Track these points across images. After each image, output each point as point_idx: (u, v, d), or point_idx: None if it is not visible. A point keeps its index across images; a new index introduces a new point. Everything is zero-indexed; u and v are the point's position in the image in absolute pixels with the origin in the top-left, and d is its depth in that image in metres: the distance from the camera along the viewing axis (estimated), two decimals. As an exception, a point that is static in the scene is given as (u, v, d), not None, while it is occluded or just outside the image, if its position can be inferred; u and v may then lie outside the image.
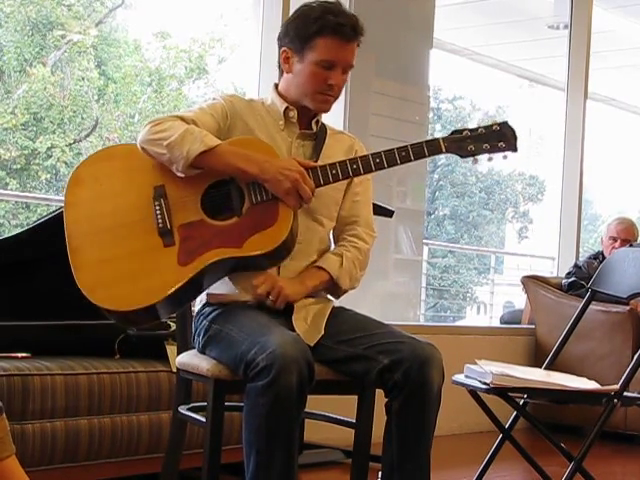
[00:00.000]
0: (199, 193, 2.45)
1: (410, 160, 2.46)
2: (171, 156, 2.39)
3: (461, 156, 2.49)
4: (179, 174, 2.42)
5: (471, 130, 2.49)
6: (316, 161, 2.55)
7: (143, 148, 2.45)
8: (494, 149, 2.48)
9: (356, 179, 2.62)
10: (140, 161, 2.48)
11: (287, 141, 2.57)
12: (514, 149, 2.49)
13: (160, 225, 2.43)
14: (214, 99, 2.58)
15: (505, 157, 2.51)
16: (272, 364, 2.18)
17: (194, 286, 2.43)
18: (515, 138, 2.49)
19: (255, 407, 2.21)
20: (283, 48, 2.55)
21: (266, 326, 2.33)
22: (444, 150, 2.47)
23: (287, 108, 2.56)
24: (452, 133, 2.50)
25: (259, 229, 2.41)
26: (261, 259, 2.42)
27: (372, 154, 2.47)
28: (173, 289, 2.39)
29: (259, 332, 2.28)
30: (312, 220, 2.57)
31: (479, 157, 2.50)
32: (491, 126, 2.50)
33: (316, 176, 2.44)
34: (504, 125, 2.50)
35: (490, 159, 2.51)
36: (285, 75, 2.57)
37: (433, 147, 2.47)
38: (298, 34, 2.51)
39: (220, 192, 2.45)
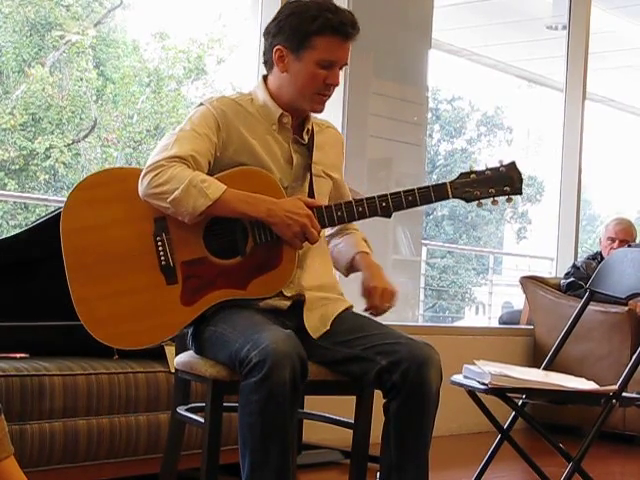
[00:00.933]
0: (201, 227, 2.42)
1: (417, 205, 2.46)
2: (176, 211, 2.36)
3: (466, 201, 2.49)
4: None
5: (478, 173, 2.48)
6: (309, 163, 2.54)
7: (146, 200, 2.40)
8: (499, 193, 2.48)
9: (336, 176, 2.64)
10: None
11: (283, 146, 2.53)
12: (519, 192, 2.49)
13: (163, 262, 2.41)
14: (201, 104, 2.51)
15: (509, 200, 2.50)
16: (265, 359, 2.18)
17: (196, 320, 2.45)
18: (521, 181, 2.48)
19: (249, 404, 2.21)
20: (277, 47, 2.48)
21: (259, 324, 2.33)
22: (451, 196, 2.47)
23: (282, 115, 2.51)
24: (459, 176, 2.49)
25: (263, 271, 2.42)
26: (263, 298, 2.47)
27: (379, 197, 2.45)
28: (177, 331, 2.44)
29: (252, 330, 2.28)
30: None
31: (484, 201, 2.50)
32: (498, 168, 2.48)
33: (321, 217, 2.43)
34: (510, 167, 2.49)
35: (494, 202, 2.51)
36: (278, 74, 2.51)
37: (440, 192, 2.46)
38: (295, 32, 2.45)
39: (223, 229, 2.43)
